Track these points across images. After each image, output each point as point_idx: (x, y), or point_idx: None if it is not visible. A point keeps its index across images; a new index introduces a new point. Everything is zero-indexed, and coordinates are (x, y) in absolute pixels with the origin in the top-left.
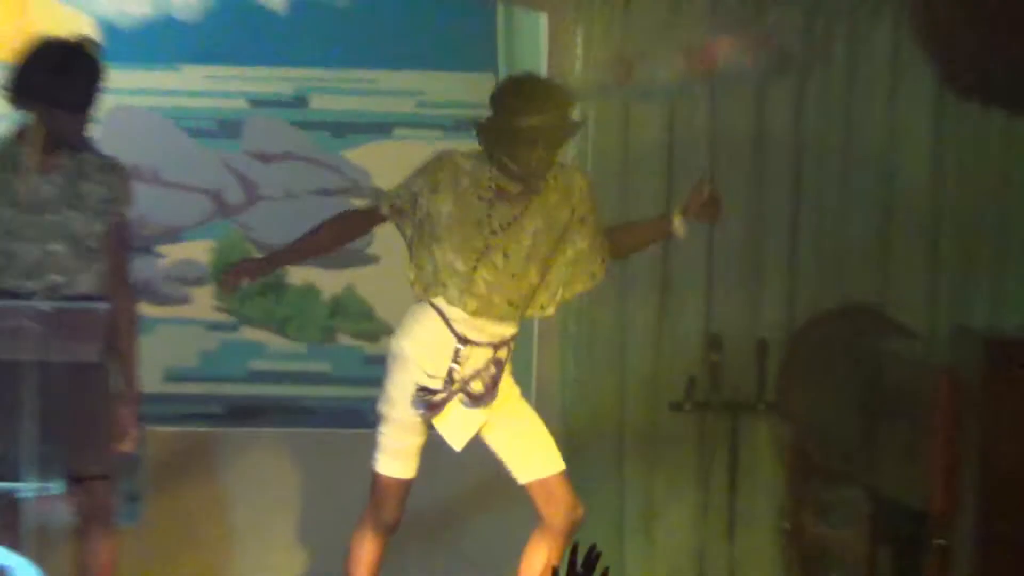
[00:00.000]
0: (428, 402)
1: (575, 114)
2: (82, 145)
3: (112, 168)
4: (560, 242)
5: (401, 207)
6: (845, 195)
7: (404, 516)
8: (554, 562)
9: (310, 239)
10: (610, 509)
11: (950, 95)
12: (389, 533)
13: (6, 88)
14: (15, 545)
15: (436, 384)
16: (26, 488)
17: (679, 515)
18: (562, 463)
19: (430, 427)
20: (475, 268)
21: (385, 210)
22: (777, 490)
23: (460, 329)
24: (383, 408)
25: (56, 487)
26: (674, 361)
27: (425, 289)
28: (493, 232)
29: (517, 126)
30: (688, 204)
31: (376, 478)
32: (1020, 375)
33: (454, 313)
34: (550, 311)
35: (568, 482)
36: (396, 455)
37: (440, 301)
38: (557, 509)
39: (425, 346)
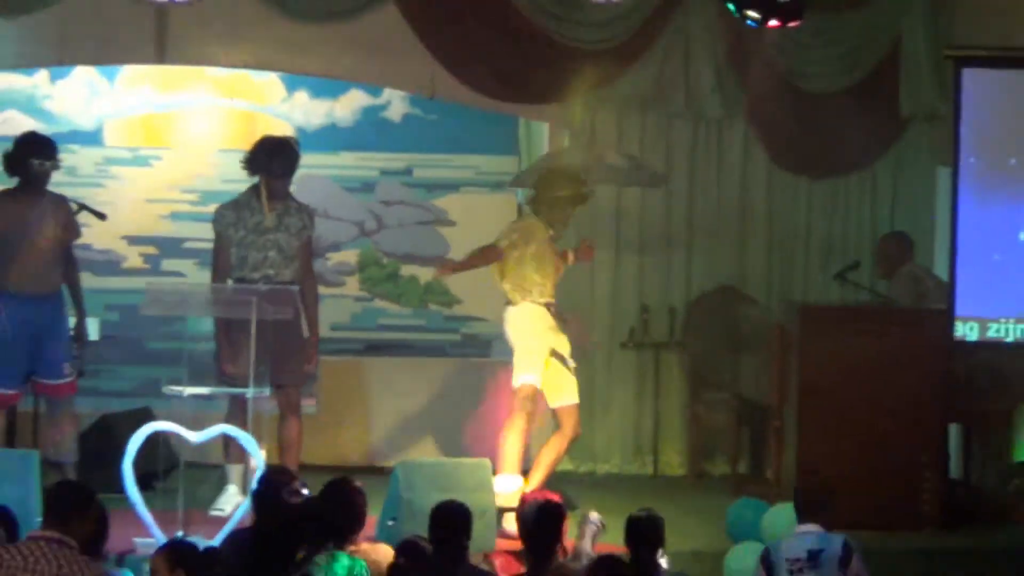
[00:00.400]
0: None
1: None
2: (287, 195)
3: (304, 209)
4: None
5: (511, 245)
6: (724, 226)
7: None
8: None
9: (471, 258)
10: (585, 404)
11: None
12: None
13: (243, 163)
14: (242, 426)
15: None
16: (249, 391)
17: (626, 407)
18: (577, 397)
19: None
20: (546, 280)
21: (502, 246)
22: (683, 394)
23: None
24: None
25: (267, 391)
26: (620, 317)
27: (521, 295)
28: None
29: (563, 196)
30: (578, 250)
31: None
32: (819, 328)
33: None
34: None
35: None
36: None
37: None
38: (573, 426)
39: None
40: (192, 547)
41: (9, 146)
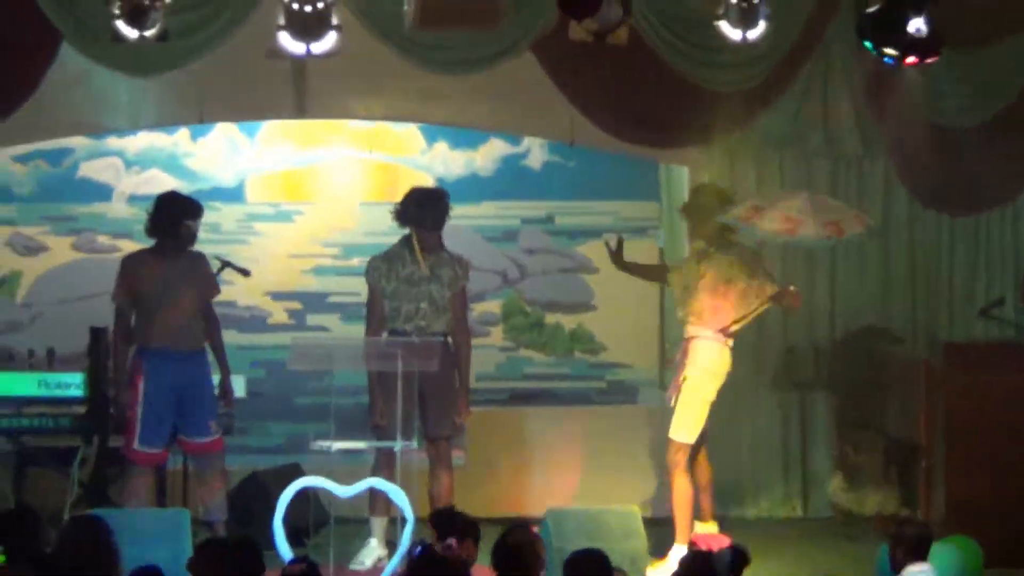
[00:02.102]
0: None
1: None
2: (440, 246)
3: (458, 259)
4: None
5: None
6: (867, 264)
7: None
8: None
9: (645, 270)
10: (732, 447)
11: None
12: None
13: (394, 215)
14: (390, 479)
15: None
16: (397, 444)
17: (773, 449)
18: (676, 434)
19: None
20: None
21: (671, 279)
22: (829, 434)
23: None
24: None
25: (415, 443)
26: (765, 358)
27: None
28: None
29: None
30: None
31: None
32: (965, 365)
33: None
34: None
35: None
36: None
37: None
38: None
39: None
40: None
41: (151, 206)
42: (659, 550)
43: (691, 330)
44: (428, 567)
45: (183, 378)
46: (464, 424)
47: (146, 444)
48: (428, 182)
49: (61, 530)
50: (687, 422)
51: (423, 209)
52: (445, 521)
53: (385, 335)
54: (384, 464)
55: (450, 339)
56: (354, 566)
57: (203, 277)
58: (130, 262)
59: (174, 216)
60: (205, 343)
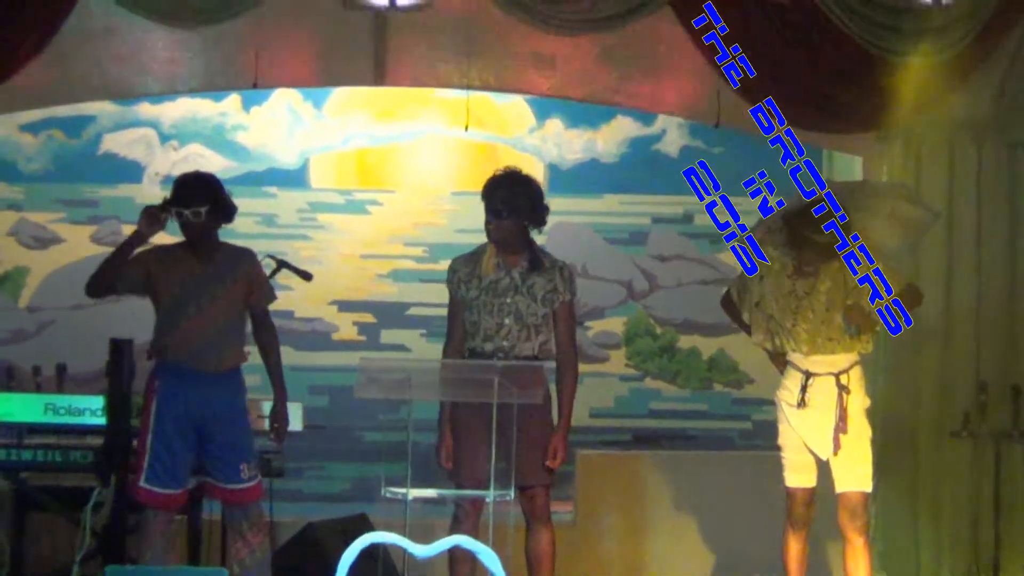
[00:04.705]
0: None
1: None
2: (527, 248)
3: (558, 268)
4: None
5: (740, 292)
6: None
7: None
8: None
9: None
10: (908, 507)
11: None
12: (804, 529)
13: (501, 206)
14: (478, 536)
15: (795, 412)
16: (490, 494)
17: (959, 510)
18: (869, 485)
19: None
20: (794, 324)
21: (733, 295)
22: None
23: (804, 366)
24: (780, 440)
25: (509, 494)
26: (952, 399)
27: (769, 343)
28: (798, 297)
29: (812, 239)
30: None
31: (787, 491)
32: None
33: (797, 357)
34: (867, 346)
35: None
36: (796, 469)
37: (790, 354)
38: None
39: (787, 388)
40: None
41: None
42: None
43: (851, 356)
44: None
45: (203, 405)
46: (556, 469)
47: (155, 482)
48: (537, 168)
49: None
50: (869, 468)
51: (536, 202)
52: None
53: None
54: (464, 518)
55: (544, 364)
56: None
57: (247, 280)
58: (153, 252)
59: (165, 201)
60: (239, 365)
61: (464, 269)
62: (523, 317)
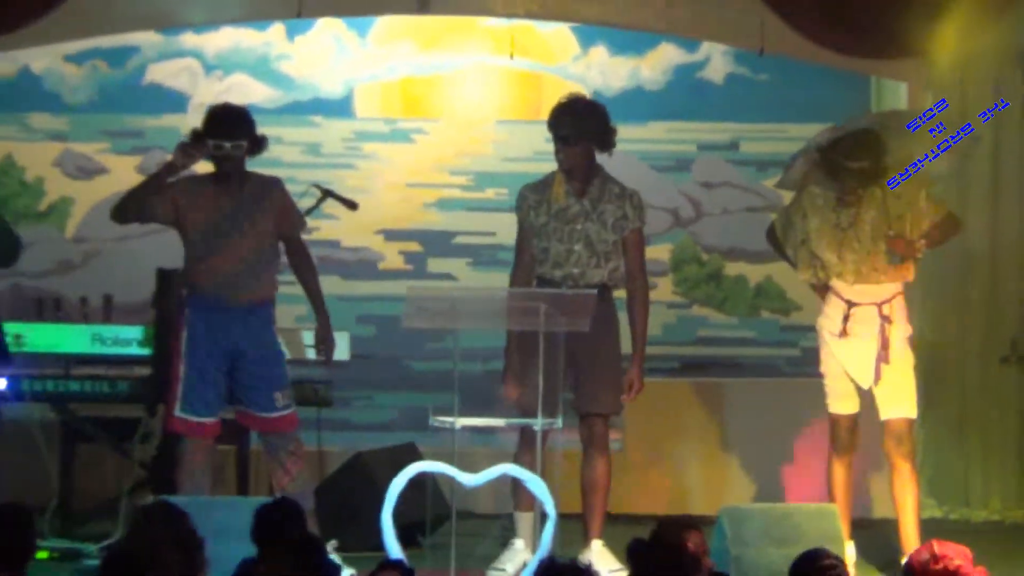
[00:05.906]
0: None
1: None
2: (597, 175)
3: (628, 195)
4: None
5: (784, 228)
6: None
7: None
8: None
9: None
10: (955, 434)
11: None
12: (848, 455)
13: (570, 130)
14: (531, 465)
15: (836, 341)
16: (538, 422)
17: (1008, 439)
18: (914, 411)
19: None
20: (840, 256)
21: (777, 229)
22: None
23: (847, 295)
24: (821, 367)
25: (559, 422)
26: (1000, 324)
27: (814, 277)
28: (842, 229)
29: (850, 167)
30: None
31: (830, 416)
32: None
33: (840, 286)
34: (909, 275)
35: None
36: (838, 396)
37: (832, 281)
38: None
39: (828, 317)
40: None
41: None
42: (873, 559)
43: (895, 286)
44: None
45: (235, 338)
46: (630, 401)
47: (190, 410)
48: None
49: (130, 521)
50: (913, 395)
51: (606, 126)
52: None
53: (535, 283)
54: (527, 446)
55: (613, 292)
56: (493, 572)
57: (276, 209)
58: (180, 183)
59: (198, 134)
60: (271, 295)
61: (533, 196)
62: (593, 244)
